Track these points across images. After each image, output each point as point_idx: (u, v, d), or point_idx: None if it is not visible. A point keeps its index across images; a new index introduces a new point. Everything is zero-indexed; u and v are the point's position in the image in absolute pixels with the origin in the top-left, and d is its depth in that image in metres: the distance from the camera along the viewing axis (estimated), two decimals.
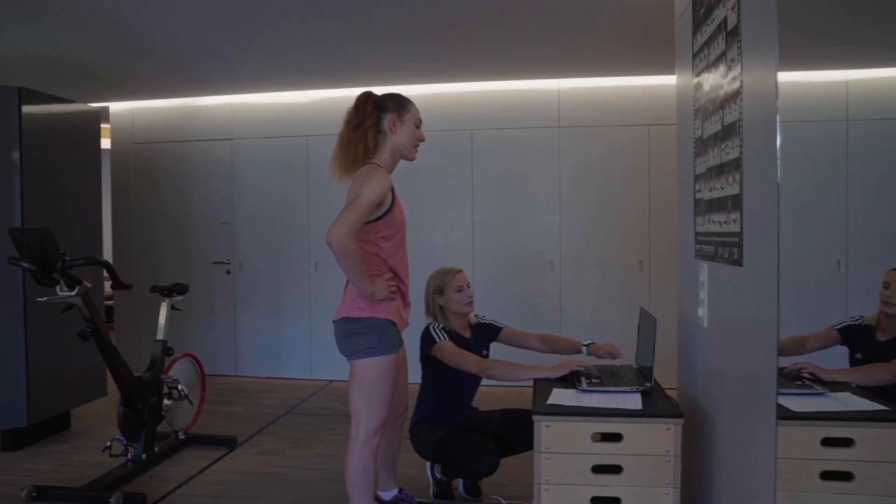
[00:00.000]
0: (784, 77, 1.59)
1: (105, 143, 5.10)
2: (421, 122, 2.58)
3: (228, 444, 4.04)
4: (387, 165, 2.52)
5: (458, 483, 3.21)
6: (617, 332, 5.23)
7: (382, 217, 2.44)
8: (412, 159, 2.61)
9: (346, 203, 2.38)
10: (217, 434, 4.15)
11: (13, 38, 4.10)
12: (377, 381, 2.42)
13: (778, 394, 1.68)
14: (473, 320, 3.19)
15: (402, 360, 2.72)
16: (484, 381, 3.14)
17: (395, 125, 2.52)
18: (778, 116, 1.60)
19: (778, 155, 1.60)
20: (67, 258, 3.24)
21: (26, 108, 3.93)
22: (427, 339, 2.99)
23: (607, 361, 2.94)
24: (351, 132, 2.49)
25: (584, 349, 2.98)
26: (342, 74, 5.18)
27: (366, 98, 2.53)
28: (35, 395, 3.92)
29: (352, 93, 5.97)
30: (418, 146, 2.59)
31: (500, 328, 3.20)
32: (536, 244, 5.45)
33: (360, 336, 2.43)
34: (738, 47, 1.92)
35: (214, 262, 5.98)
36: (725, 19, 2.05)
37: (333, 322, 2.53)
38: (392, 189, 2.48)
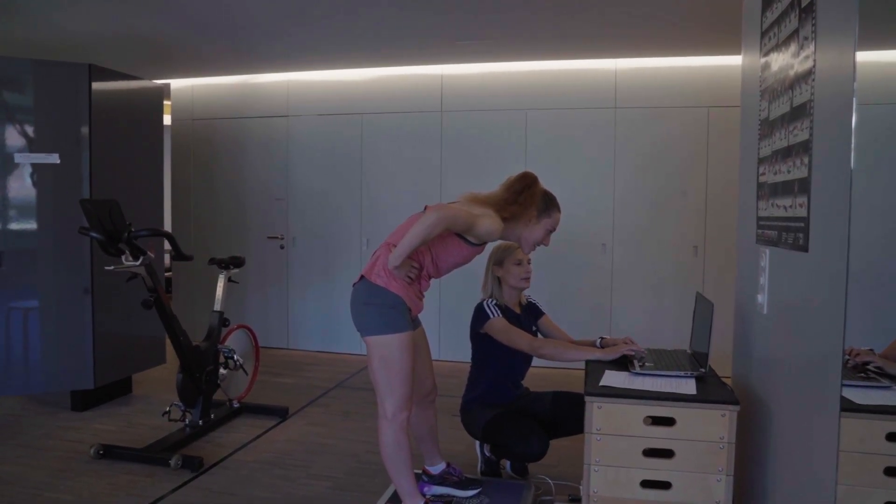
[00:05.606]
0: (859, 57, 1.52)
1: (166, 118, 5.24)
2: (555, 229, 2.71)
3: (280, 414, 4.16)
4: (503, 232, 2.61)
5: (506, 462, 3.24)
6: (669, 316, 5.18)
7: (467, 243, 2.56)
8: (525, 252, 2.80)
9: (467, 209, 2.49)
10: (269, 404, 4.28)
11: (84, 18, 4.23)
12: (395, 359, 2.45)
13: (842, 385, 1.63)
14: (524, 300, 3.19)
15: (422, 340, 2.77)
16: (535, 362, 3.15)
17: (531, 220, 2.64)
18: (854, 98, 1.54)
19: (852, 138, 1.54)
20: (133, 229, 3.36)
21: (96, 85, 4.07)
22: (480, 315, 3.00)
23: (660, 345, 2.91)
24: (503, 196, 2.62)
25: (598, 342, 2.98)
26: (398, 53, 5.19)
27: (531, 182, 2.64)
28: (101, 360, 4.12)
29: (407, 71, 5.99)
30: (535, 248, 2.71)
31: (543, 314, 3.22)
32: (589, 226, 5.39)
33: (373, 311, 2.46)
34: (813, 25, 1.85)
35: (269, 237, 6.11)
36: None
37: (353, 285, 2.57)
38: (485, 244, 2.64)
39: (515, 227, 2.63)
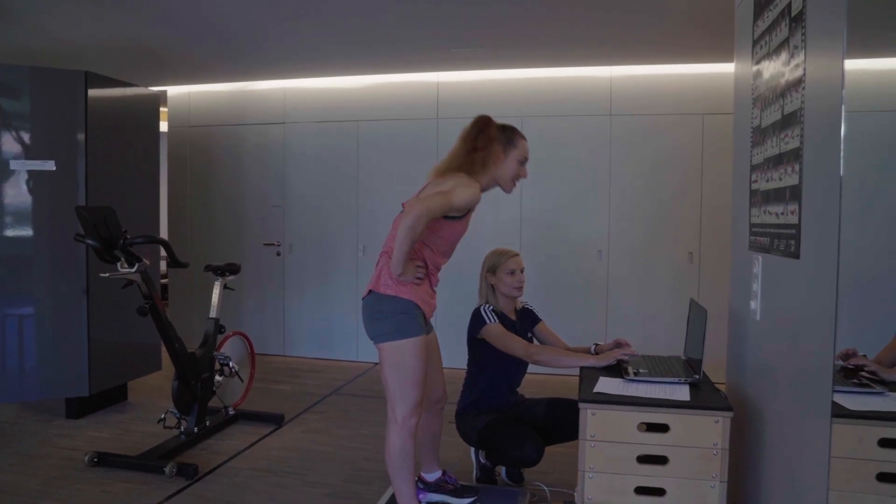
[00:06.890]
0: (847, 65, 1.54)
1: (162, 125, 5.25)
2: (527, 159, 2.66)
3: (276, 421, 4.15)
4: (482, 186, 2.58)
5: (501, 468, 3.24)
6: (664, 322, 5.18)
7: (455, 220, 2.52)
8: (508, 192, 2.70)
9: (434, 192, 2.44)
10: (265, 411, 4.27)
11: (81, 26, 4.24)
12: (407, 364, 2.44)
13: (833, 391, 1.64)
14: (519, 305, 3.20)
15: (434, 346, 2.75)
16: (530, 369, 3.15)
17: (500, 158, 2.59)
18: (843, 106, 1.55)
19: (841, 145, 1.55)
20: (128, 236, 3.36)
21: (92, 92, 4.08)
22: (477, 321, 3.01)
23: (655, 352, 2.92)
24: (462, 148, 2.59)
25: (592, 349, 2.98)
26: (394, 60, 5.21)
27: (485, 123, 2.60)
28: (96, 367, 4.11)
29: (403, 79, 6.00)
30: (517, 182, 2.67)
31: (540, 320, 3.21)
32: (585, 233, 5.40)
33: (386, 319, 2.46)
34: (803, 34, 1.87)
35: (265, 244, 6.11)
36: (789, 5, 1.98)
37: (363, 299, 2.57)
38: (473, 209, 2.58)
39: (489, 173, 2.57)
